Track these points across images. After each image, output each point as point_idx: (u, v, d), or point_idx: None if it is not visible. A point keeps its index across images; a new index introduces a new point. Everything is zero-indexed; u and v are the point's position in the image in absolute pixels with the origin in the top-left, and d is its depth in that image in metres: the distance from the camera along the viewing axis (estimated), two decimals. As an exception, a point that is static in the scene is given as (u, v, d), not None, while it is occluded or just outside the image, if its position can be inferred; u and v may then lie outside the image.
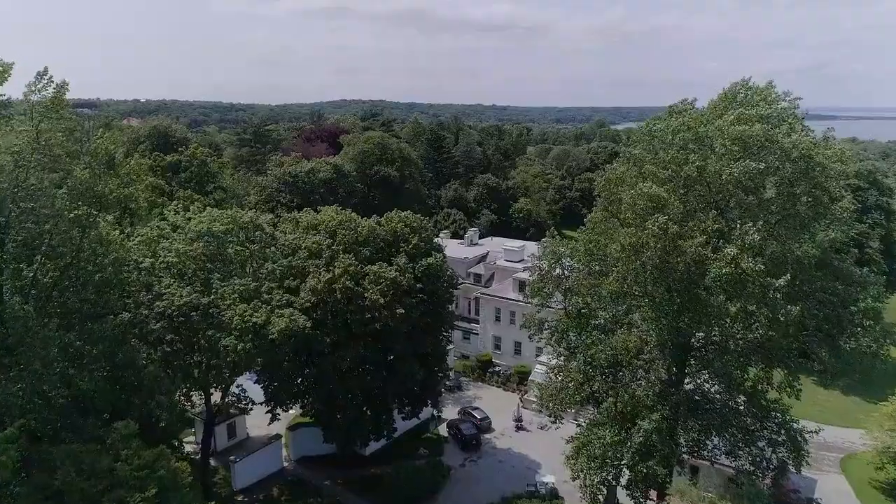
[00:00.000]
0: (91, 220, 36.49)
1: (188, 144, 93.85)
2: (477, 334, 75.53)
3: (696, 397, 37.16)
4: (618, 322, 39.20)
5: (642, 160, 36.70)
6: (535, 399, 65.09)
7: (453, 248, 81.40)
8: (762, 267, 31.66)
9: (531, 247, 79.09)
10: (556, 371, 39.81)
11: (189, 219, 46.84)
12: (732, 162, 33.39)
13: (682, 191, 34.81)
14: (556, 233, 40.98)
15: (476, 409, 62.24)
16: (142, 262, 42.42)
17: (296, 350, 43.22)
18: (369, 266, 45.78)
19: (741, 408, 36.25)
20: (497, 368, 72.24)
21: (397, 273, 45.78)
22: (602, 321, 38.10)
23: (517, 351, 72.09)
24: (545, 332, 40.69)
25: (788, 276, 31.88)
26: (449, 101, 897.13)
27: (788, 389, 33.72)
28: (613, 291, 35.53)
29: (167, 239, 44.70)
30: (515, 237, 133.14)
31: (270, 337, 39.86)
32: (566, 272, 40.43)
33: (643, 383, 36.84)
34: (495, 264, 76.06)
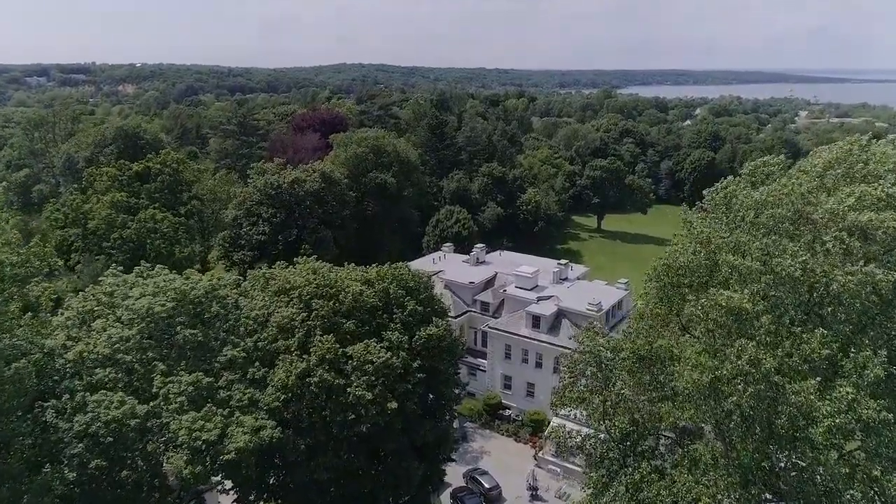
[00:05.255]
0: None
1: (159, 149, 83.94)
2: (484, 371, 66.90)
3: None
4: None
5: (714, 239, 27.39)
6: (551, 458, 57.10)
7: (457, 269, 72.31)
8: (891, 416, 22.74)
9: (546, 269, 70.10)
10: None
11: (133, 285, 37.82)
12: (846, 260, 24.13)
13: (772, 292, 25.46)
14: (595, 328, 31.56)
15: (484, 473, 53.85)
16: (67, 351, 33.61)
17: (261, 456, 34.54)
18: (353, 346, 36.74)
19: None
20: (507, 412, 63.80)
21: (389, 354, 36.76)
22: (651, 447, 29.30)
23: (530, 393, 63.56)
24: (577, 453, 31.93)
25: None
26: (450, 64, 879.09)
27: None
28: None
29: (102, 317, 35.77)
30: (523, 232, 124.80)
31: (226, 457, 31.16)
32: (606, 371, 31.39)
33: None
34: (504, 292, 66.99)
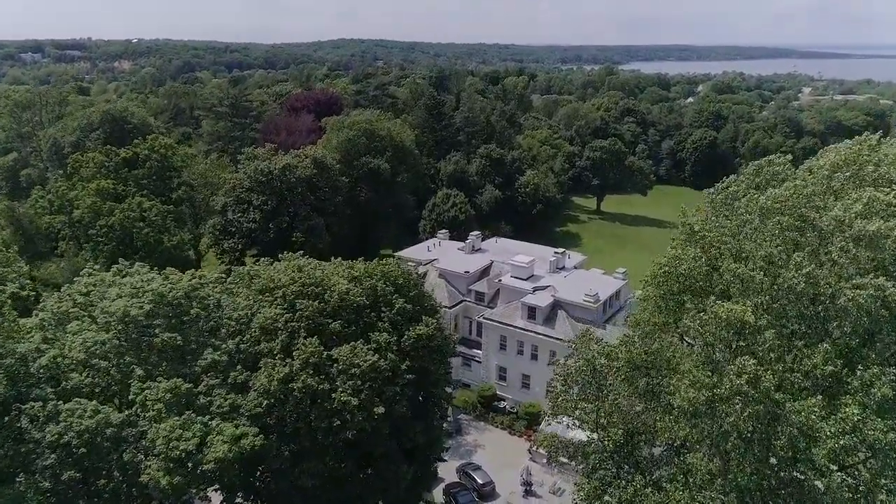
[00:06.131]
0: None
1: (147, 134, 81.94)
2: (479, 362, 65.81)
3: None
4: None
5: (714, 244, 25.97)
6: (544, 452, 56.16)
7: (452, 258, 70.90)
8: (899, 437, 21.50)
9: (543, 257, 68.70)
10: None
11: (110, 284, 36.52)
12: (852, 271, 22.74)
13: (775, 304, 24.07)
14: (590, 334, 30.30)
15: (477, 468, 52.97)
16: (41, 356, 32.36)
17: (243, 463, 33.48)
18: (339, 348, 35.48)
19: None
20: (503, 404, 62.82)
21: (376, 356, 35.51)
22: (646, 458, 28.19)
23: (525, 385, 62.53)
24: (570, 459, 30.85)
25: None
26: (451, 39, 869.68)
27: None
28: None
29: (78, 319, 34.51)
30: (521, 215, 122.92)
31: (204, 468, 30.10)
32: (600, 378, 30.18)
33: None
34: (500, 281, 65.63)
